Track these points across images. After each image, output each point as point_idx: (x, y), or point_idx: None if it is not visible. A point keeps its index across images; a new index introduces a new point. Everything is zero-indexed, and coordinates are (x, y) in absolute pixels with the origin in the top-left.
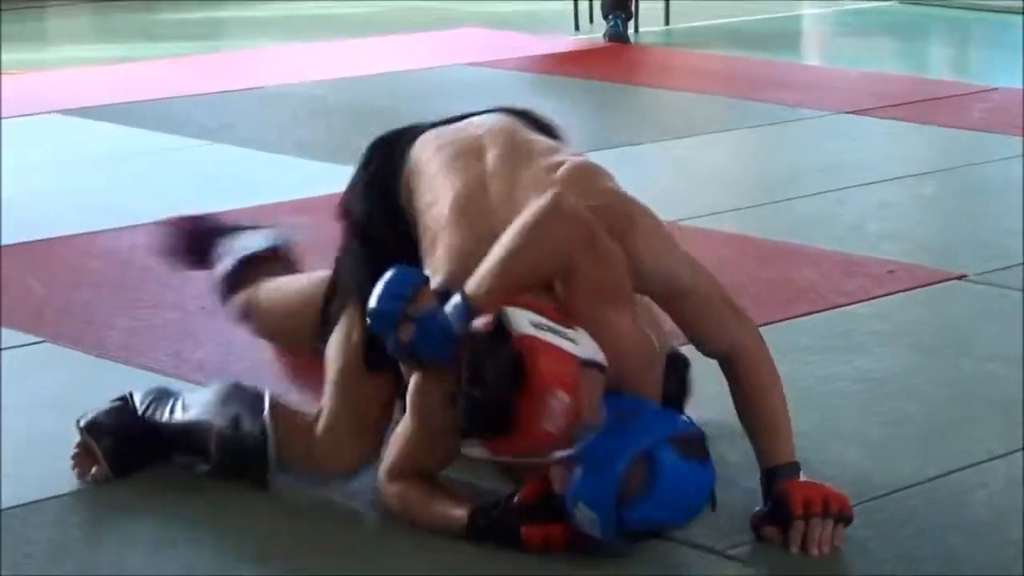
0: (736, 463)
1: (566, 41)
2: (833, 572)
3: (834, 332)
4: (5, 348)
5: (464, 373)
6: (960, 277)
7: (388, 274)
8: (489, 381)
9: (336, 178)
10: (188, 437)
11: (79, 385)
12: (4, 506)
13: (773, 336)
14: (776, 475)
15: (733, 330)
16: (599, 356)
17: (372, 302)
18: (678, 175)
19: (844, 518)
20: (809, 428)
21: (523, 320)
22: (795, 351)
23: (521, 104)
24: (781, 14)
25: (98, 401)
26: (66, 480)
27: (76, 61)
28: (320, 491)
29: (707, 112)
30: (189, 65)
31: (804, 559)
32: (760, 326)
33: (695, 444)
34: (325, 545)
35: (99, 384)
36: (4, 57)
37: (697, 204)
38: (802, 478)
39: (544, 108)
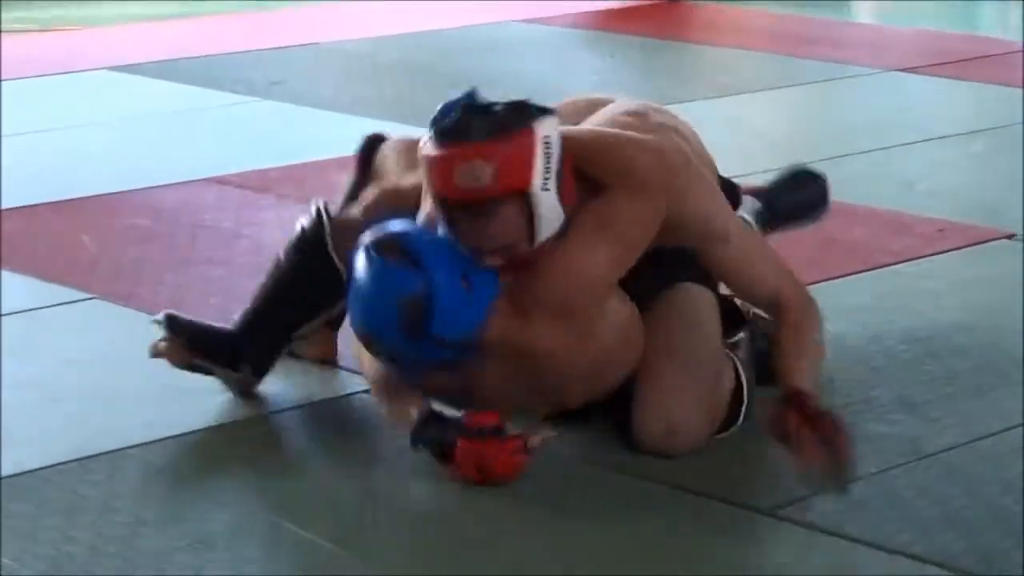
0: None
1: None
2: (881, 531)
3: (883, 291)
4: (57, 304)
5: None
6: (1010, 236)
7: None
8: (475, 116)
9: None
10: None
11: (129, 341)
12: (56, 461)
13: (821, 295)
14: (792, 398)
15: (775, 279)
16: (543, 225)
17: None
18: (727, 133)
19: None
20: (856, 388)
21: (547, 130)
22: (844, 310)
23: (572, 60)
24: None
25: (145, 357)
26: (120, 435)
27: (126, 17)
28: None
29: (756, 69)
30: (239, 22)
31: (853, 518)
32: (809, 284)
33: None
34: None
35: (148, 340)
36: (53, 13)
37: (746, 162)
38: None
39: (594, 65)
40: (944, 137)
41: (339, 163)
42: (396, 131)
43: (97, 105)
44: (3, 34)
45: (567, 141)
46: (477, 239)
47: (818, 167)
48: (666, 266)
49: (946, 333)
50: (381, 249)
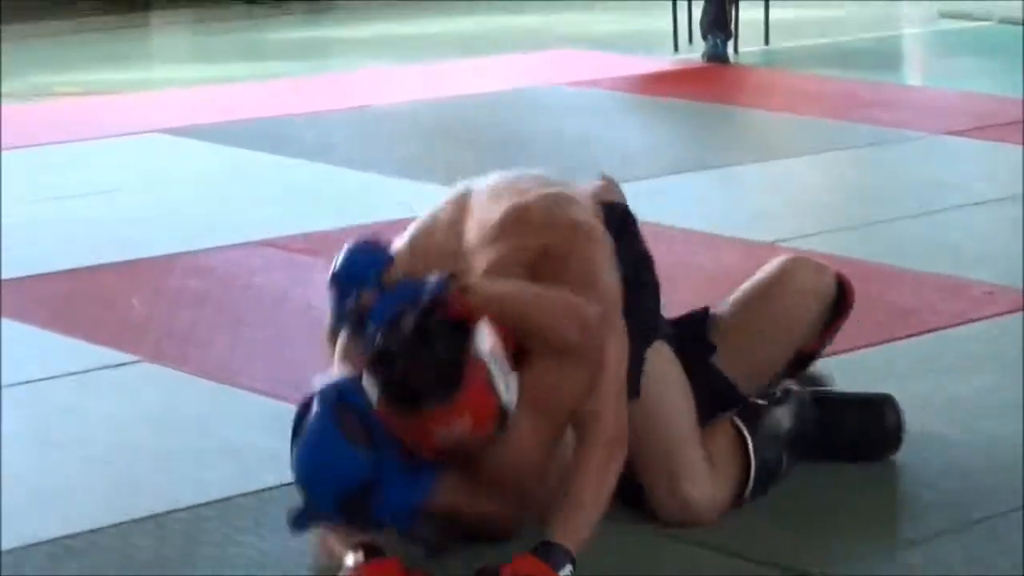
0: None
1: (664, 61)
2: None
3: (931, 355)
4: (104, 368)
5: (407, 335)
6: None
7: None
8: (421, 370)
9: (435, 196)
10: None
11: (178, 403)
12: (105, 524)
13: (869, 359)
14: (535, 548)
15: (606, 416)
16: (512, 405)
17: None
18: (775, 196)
19: None
20: (903, 454)
21: (487, 344)
22: (891, 375)
23: (619, 124)
24: (880, 34)
25: (194, 419)
26: (169, 497)
27: (177, 82)
28: None
29: (805, 133)
30: (290, 86)
31: None
32: (856, 349)
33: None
34: None
35: (196, 403)
36: (108, 77)
37: (794, 225)
38: (565, 574)
39: (642, 129)
40: (991, 201)
41: (387, 226)
42: (440, 192)
43: (148, 168)
44: (56, 97)
45: (493, 310)
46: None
47: (866, 230)
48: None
49: (994, 398)
50: (339, 415)
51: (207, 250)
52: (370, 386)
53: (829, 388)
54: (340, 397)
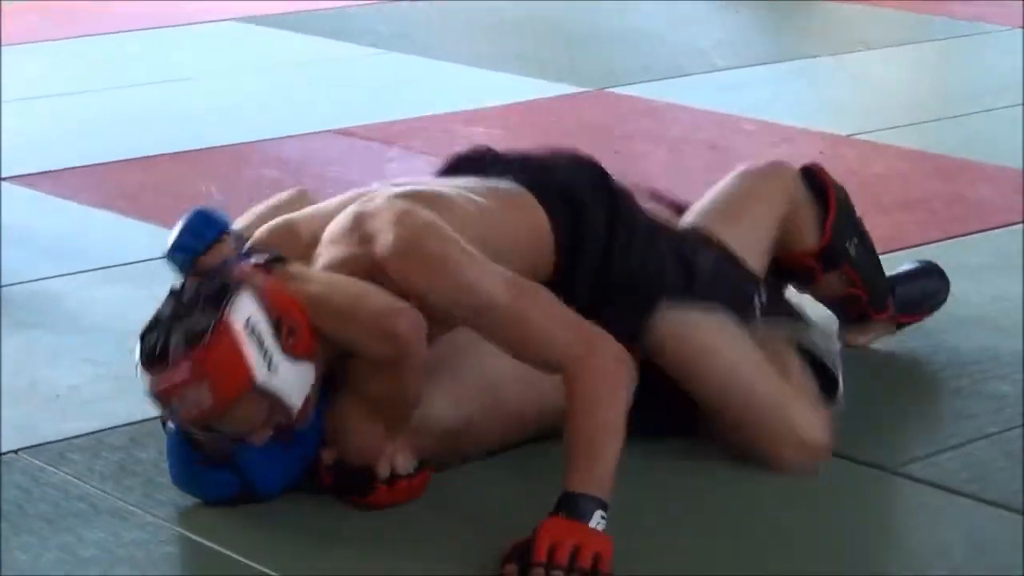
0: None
1: None
2: (1002, 490)
3: (1009, 250)
4: None
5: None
6: None
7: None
8: (173, 333)
9: (510, 89)
10: None
11: None
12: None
13: (945, 252)
14: (559, 505)
15: (563, 343)
16: (291, 395)
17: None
18: (855, 89)
19: (596, 574)
20: (979, 347)
21: (244, 312)
22: (967, 268)
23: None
24: None
25: None
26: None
27: None
28: None
29: (885, 26)
30: None
31: (975, 476)
32: (933, 242)
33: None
34: None
35: None
36: None
37: (874, 118)
38: (596, 522)
39: (723, 23)
40: None
41: (463, 117)
42: (515, 84)
43: (224, 56)
44: None
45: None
46: (233, 433)
47: (947, 124)
48: (621, 302)
49: None
50: (192, 447)
51: (283, 139)
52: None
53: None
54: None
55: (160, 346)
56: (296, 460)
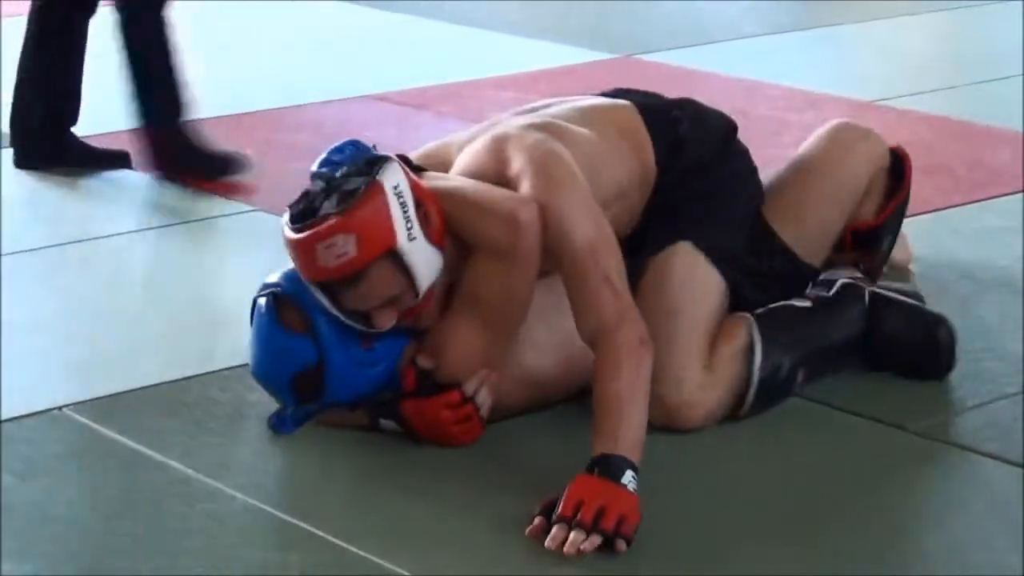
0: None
1: None
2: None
3: None
4: (223, 215)
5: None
6: None
7: None
8: (326, 194)
9: (540, 55)
10: None
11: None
12: (210, 369)
13: (966, 215)
14: (591, 465)
15: (600, 310)
16: (422, 274)
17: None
18: (878, 56)
19: (619, 535)
20: (999, 308)
21: (394, 180)
22: (989, 232)
23: None
24: None
25: None
26: None
27: None
28: None
29: None
30: None
31: (993, 436)
32: (955, 206)
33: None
34: None
35: None
36: None
37: (896, 85)
38: (628, 480)
39: None
40: None
41: (493, 82)
42: (546, 51)
43: (259, 25)
44: None
45: (434, 193)
46: (361, 303)
47: (967, 90)
48: (658, 225)
49: None
50: (279, 309)
51: (318, 104)
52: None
53: (897, 294)
54: (280, 290)
55: (312, 204)
56: (368, 373)
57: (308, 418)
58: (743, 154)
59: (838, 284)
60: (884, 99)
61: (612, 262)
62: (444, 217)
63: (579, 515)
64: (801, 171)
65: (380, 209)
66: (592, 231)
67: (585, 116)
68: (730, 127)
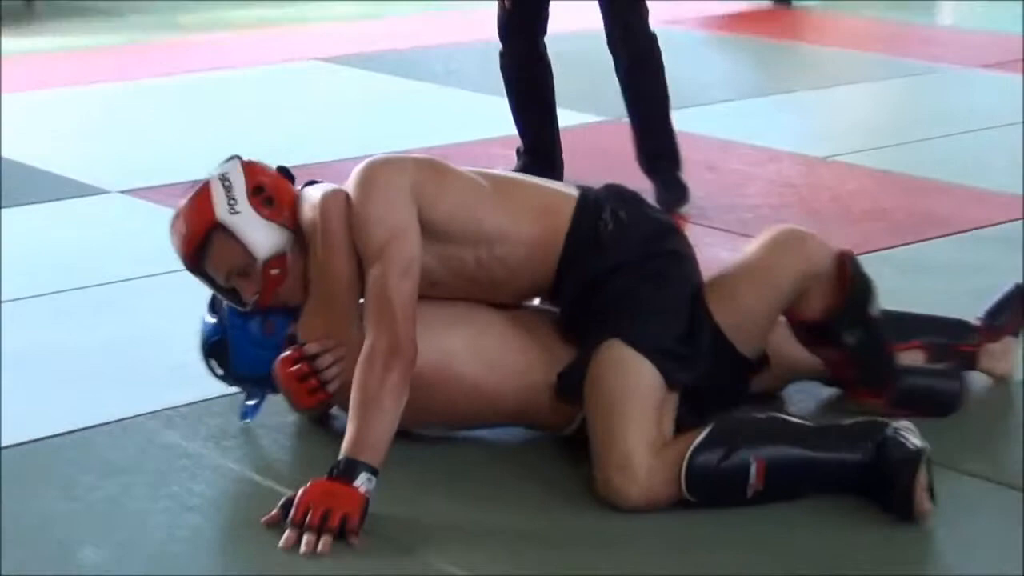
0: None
1: (736, 4)
2: None
3: (961, 252)
4: None
5: None
6: None
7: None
8: None
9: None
10: None
11: None
12: None
13: (908, 255)
14: (332, 467)
15: (370, 316)
16: (255, 242)
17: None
18: (831, 118)
19: (346, 531)
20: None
21: (223, 171)
22: (925, 269)
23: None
24: None
25: None
26: None
27: (330, 18)
28: None
29: (857, 66)
30: (422, 21)
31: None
32: (897, 246)
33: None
34: None
35: None
36: (271, 12)
37: (847, 142)
38: (362, 483)
39: (714, 62)
40: (1016, 123)
41: (499, 142)
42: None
43: (306, 91)
44: (224, 31)
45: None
46: (219, 277)
47: (910, 148)
48: (591, 325)
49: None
50: (213, 298)
51: (343, 160)
52: None
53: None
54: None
55: None
56: (266, 355)
57: (259, 404)
58: (675, 252)
59: (862, 419)
60: (836, 155)
61: (394, 268)
62: (295, 208)
63: (308, 519)
64: (740, 266)
65: (202, 194)
66: (386, 235)
67: (519, 182)
68: (666, 229)
